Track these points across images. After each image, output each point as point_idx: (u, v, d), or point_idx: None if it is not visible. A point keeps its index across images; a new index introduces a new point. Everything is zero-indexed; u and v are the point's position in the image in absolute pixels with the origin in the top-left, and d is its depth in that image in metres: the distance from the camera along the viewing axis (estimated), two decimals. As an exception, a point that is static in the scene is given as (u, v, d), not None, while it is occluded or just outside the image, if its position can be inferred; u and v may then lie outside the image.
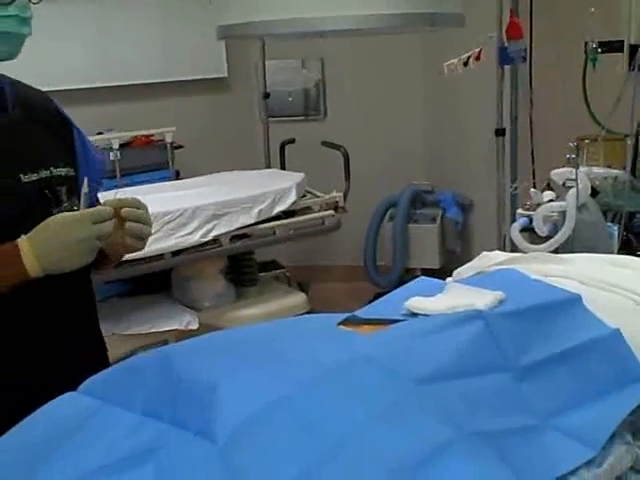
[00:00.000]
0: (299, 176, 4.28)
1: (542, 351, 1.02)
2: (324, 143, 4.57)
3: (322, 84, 5.31)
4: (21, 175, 1.35)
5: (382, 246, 4.93)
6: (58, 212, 1.34)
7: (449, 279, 1.42)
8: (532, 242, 2.32)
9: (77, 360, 1.44)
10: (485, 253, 1.53)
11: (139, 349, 3.45)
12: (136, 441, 0.90)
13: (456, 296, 1.13)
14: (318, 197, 4.32)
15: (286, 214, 4.09)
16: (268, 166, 4.99)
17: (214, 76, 5.10)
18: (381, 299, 1.25)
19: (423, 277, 1.35)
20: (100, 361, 1.54)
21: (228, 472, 0.77)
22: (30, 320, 1.39)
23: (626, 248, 2.32)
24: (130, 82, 4.73)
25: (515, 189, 2.77)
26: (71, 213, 1.32)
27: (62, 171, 1.42)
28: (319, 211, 4.25)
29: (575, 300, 1.12)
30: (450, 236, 4.83)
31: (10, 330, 1.37)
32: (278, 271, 4.73)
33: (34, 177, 1.36)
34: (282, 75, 5.24)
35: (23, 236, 1.27)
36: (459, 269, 1.52)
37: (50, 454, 0.93)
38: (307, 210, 4.24)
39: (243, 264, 4.33)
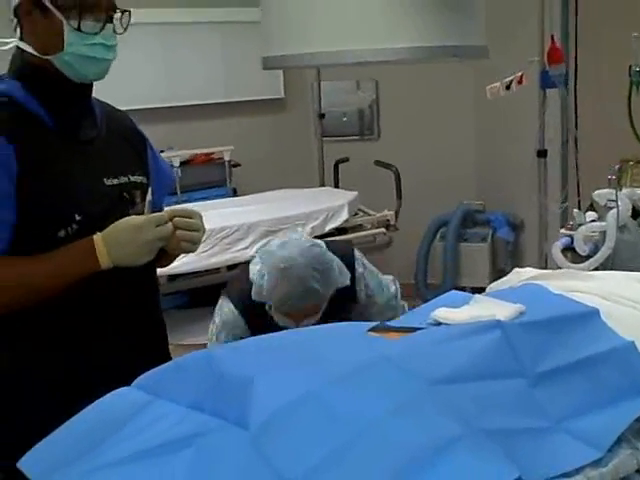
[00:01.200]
0: (352, 194, 4.38)
1: (557, 360, 1.09)
2: (377, 162, 4.66)
3: (376, 105, 5.41)
4: (104, 179, 1.56)
5: (433, 264, 4.98)
6: (134, 213, 1.56)
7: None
8: (573, 261, 2.37)
9: (142, 342, 1.62)
10: (517, 269, 1.61)
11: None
12: (180, 429, 1.01)
13: (480, 308, 1.21)
14: (370, 215, 4.41)
15: (339, 231, 4.18)
16: (322, 184, 5.10)
17: (271, 97, 5.25)
18: (412, 310, 1.34)
19: (454, 291, 1.43)
20: (161, 347, 1.72)
21: (258, 455, 0.87)
22: (102, 307, 1.56)
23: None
24: (191, 102, 4.92)
25: (562, 208, 2.81)
26: (138, 216, 1.52)
27: (138, 178, 1.63)
28: (371, 229, 4.34)
29: (592, 314, 1.19)
30: (500, 255, 4.86)
31: (83, 316, 1.54)
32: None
33: (115, 182, 1.57)
34: (337, 96, 5.35)
35: (98, 233, 1.47)
36: (492, 284, 1.60)
37: (107, 439, 1.04)
38: (359, 228, 4.33)
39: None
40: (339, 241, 3.03)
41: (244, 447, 0.89)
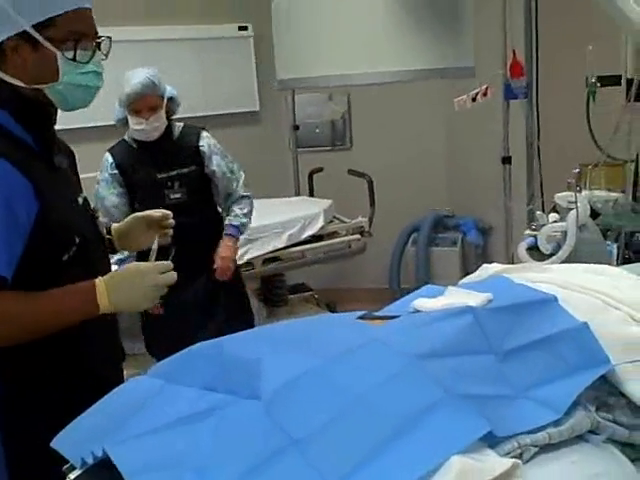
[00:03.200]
0: (327, 203, 4.55)
1: (521, 339, 1.26)
2: (350, 171, 4.83)
3: (348, 116, 5.59)
4: (78, 200, 1.68)
5: (406, 269, 5.16)
6: (100, 227, 1.73)
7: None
8: (538, 259, 2.54)
9: None
10: (485, 265, 1.78)
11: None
12: (199, 404, 1.16)
13: (453, 297, 1.38)
14: (345, 222, 4.58)
15: (315, 238, 4.35)
16: (297, 194, 5.27)
17: (247, 110, 5.40)
18: (394, 303, 1.50)
19: (429, 285, 1.60)
20: None
21: (270, 420, 1.03)
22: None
23: (626, 264, 2.52)
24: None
25: (528, 211, 2.99)
26: (143, 263, 1.60)
27: (84, 194, 1.74)
28: (346, 235, 4.50)
29: (551, 299, 1.36)
30: (470, 258, 5.06)
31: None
32: (307, 293, 4.99)
33: (80, 202, 1.69)
34: (310, 108, 5.53)
35: (100, 277, 1.54)
36: (463, 279, 1.77)
37: (129, 419, 1.18)
38: (334, 235, 4.50)
39: (274, 285, 4.60)
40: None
41: (258, 414, 1.05)
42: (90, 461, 1.13)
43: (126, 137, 3.34)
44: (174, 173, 3.28)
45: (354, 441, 1.00)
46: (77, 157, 1.80)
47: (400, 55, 1.24)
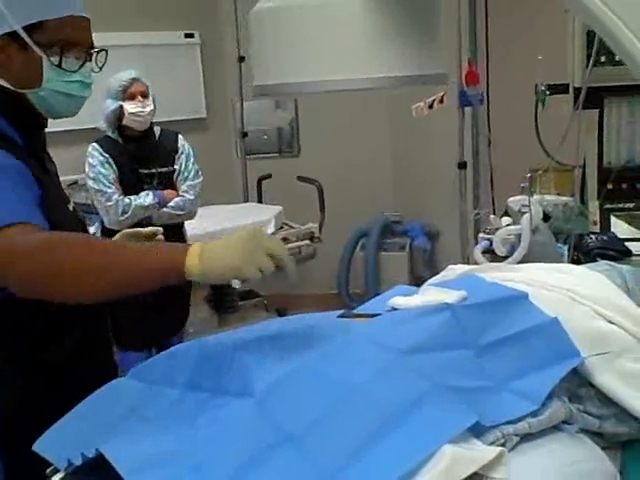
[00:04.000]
0: (276, 209, 4.57)
1: (496, 334, 1.31)
2: (300, 178, 4.86)
3: (296, 123, 5.62)
4: (68, 206, 1.64)
5: (355, 274, 5.21)
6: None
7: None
8: (493, 261, 2.61)
9: None
10: (451, 266, 1.82)
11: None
12: (186, 406, 1.17)
13: (429, 295, 1.42)
14: (295, 228, 4.61)
15: (265, 245, 4.35)
16: (246, 200, 5.27)
17: (194, 117, 5.38)
18: (369, 301, 1.54)
19: (401, 285, 1.64)
20: None
21: (263, 416, 1.05)
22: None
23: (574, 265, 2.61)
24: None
25: (477, 215, 3.07)
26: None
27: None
28: (296, 241, 4.53)
29: (523, 296, 1.41)
30: (418, 263, 5.14)
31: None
32: (257, 299, 4.99)
33: (70, 208, 1.66)
34: (257, 115, 5.54)
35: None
36: (429, 280, 1.81)
37: (117, 422, 1.18)
38: (284, 241, 4.51)
39: (224, 292, 4.59)
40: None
41: (251, 411, 1.07)
42: (78, 463, 1.12)
43: (110, 134, 3.52)
44: (154, 171, 3.52)
45: (347, 434, 1.03)
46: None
47: (380, 62, 1.28)
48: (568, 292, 1.47)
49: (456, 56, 3.39)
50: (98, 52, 1.57)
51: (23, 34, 1.45)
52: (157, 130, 3.65)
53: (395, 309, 1.40)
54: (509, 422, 1.14)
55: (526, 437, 1.17)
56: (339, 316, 1.39)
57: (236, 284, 1.24)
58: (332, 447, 1.01)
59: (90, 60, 1.55)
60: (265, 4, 1.36)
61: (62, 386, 1.54)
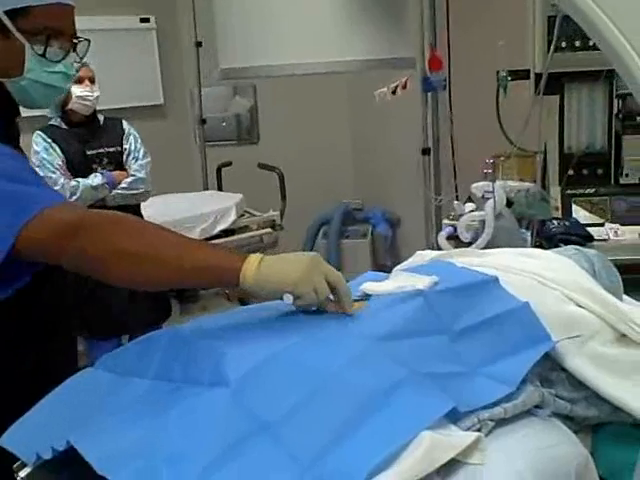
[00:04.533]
0: (237, 197, 4.53)
1: (469, 319, 1.30)
2: (260, 165, 4.83)
3: (255, 110, 5.58)
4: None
5: (316, 262, 5.20)
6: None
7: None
8: (457, 247, 2.62)
9: None
10: (419, 252, 1.82)
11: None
12: (158, 397, 1.14)
13: (400, 280, 1.41)
14: (256, 216, 4.58)
15: (226, 233, 4.32)
16: (206, 188, 5.22)
17: (151, 103, 5.31)
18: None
19: (371, 271, 1.63)
20: None
21: (238, 406, 1.03)
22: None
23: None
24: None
25: (440, 201, 3.08)
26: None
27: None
28: (257, 229, 4.50)
29: (493, 281, 1.41)
30: (380, 250, 5.15)
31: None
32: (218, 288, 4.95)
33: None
34: (215, 101, 5.48)
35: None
36: (398, 267, 1.80)
37: (87, 414, 1.15)
38: (246, 229, 4.49)
39: (186, 281, 4.54)
40: None
41: (226, 401, 1.04)
42: (48, 456, 1.09)
43: (54, 122, 3.61)
44: (102, 150, 3.66)
45: (324, 422, 1.01)
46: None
47: (350, 45, 1.26)
48: (536, 276, 1.48)
49: (418, 41, 3.39)
50: (80, 42, 1.51)
51: (6, 20, 1.39)
52: (101, 118, 3.78)
53: (368, 295, 1.38)
54: (485, 407, 1.14)
55: (500, 422, 1.16)
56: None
57: (288, 299, 1.19)
58: (309, 435, 0.99)
59: (74, 50, 1.50)
60: (232, -14, 1.34)
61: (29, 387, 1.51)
